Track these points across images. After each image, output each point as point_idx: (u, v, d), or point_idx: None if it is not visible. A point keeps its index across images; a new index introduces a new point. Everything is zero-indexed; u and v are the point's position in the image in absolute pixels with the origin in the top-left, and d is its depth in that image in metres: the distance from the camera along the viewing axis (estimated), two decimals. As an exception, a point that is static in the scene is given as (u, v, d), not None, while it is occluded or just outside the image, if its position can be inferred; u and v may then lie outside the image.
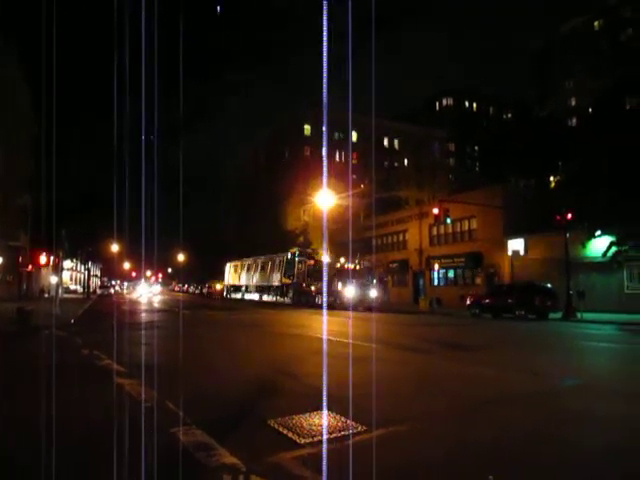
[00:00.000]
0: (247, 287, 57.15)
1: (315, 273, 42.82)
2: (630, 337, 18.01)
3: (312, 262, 44.13)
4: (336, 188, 44.58)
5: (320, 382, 7.89)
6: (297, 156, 71.29)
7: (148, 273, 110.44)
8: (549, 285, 28.33)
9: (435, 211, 33.80)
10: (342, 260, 40.60)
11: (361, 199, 58.16)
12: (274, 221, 64.97)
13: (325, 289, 39.54)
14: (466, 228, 43.08)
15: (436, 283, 46.24)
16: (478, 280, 41.46)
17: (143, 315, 27.45)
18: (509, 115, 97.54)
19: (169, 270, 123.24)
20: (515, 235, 37.33)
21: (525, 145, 51.60)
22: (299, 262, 45.65)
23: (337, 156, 75.10)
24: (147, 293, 69.80)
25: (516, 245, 37.53)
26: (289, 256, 46.72)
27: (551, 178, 48.67)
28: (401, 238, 51.29)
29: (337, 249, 44.70)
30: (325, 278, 40.99)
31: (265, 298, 50.88)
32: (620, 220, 28.89)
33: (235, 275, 61.15)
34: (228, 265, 63.67)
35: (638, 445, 5.43)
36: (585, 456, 5.06)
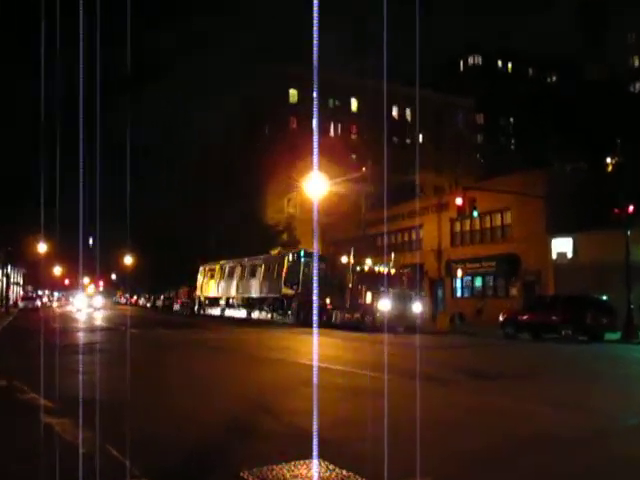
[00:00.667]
0: (229, 299, 53.52)
1: (330, 280, 38.99)
2: None
3: (324, 265, 40.53)
4: (330, 172, 44.55)
5: (309, 421, 7.88)
6: (280, 129, 71.29)
7: (86, 280, 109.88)
8: (604, 297, 28.37)
9: (458, 201, 33.88)
10: (369, 262, 38.13)
11: (362, 186, 58.18)
12: (251, 214, 64.80)
13: (348, 303, 36.36)
14: (498, 223, 43.19)
15: (459, 294, 46.39)
16: (513, 291, 41.58)
17: (80, 335, 27.35)
18: (553, 78, 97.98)
19: (113, 277, 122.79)
20: (561, 233, 37.46)
21: (574, 116, 51.71)
22: (306, 265, 42.29)
23: (332, 129, 75.19)
24: (86, 307, 68.81)
25: (562, 246, 37.69)
26: (291, 257, 43.89)
27: (608, 160, 48.87)
28: (414, 236, 51.41)
29: (332, 249, 44.70)
30: (349, 286, 37.00)
31: (256, 315, 47.56)
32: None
33: (211, 283, 57.30)
34: (201, 269, 60.15)
35: None
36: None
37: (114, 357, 16.98)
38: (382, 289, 34.27)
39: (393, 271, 37.39)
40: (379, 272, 36.56)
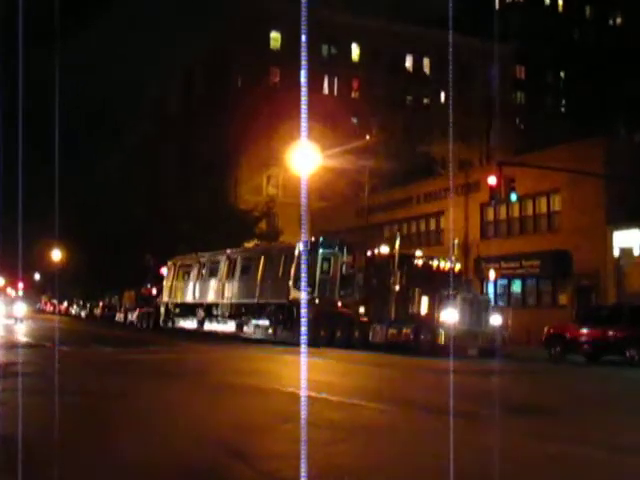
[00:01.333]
0: (211, 307, 47.39)
1: (363, 280, 36.09)
2: None
3: (350, 259, 37.21)
4: (323, 141, 44.47)
5: (293, 469, 7.92)
6: (258, 84, 70.99)
7: (0, 282, 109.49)
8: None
9: (492, 181, 33.76)
10: (418, 254, 34.55)
11: (365, 160, 58.11)
12: (218, 196, 64.64)
13: (393, 313, 32.62)
14: (544, 210, 43.30)
15: (492, 302, 46.44)
16: (563, 298, 41.66)
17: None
18: (618, 20, 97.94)
19: (36, 277, 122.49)
20: (626, 223, 37.51)
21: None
22: (325, 258, 37.85)
23: (327, 85, 75.01)
24: (5, 317, 64.22)
25: (627, 239, 37.75)
26: (303, 246, 36.06)
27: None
28: (433, 226, 51.58)
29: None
30: (394, 288, 32.84)
31: (250, 330, 42.26)
32: None
33: (185, 284, 51.61)
34: (170, 265, 54.76)
35: None
36: None
37: (40, 384, 16.95)
38: (445, 293, 30.85)
39: (458, 267, 35.12)
40: (439, 268, 33.28)
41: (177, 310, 52.31)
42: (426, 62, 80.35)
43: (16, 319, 60.28)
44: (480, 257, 45.53)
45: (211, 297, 47.43)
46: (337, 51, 75.08)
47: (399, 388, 18.15)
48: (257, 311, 41.61)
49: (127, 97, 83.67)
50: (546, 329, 31.15)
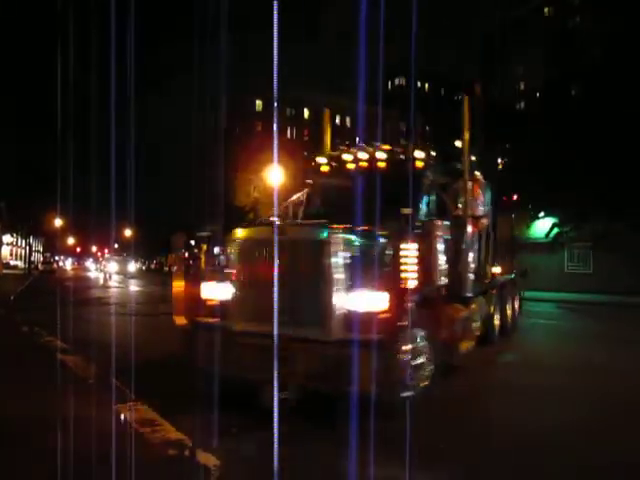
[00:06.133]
0: None
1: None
2: (564, 314, 18.67)
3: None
4: (287, 165, 44.22)
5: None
6: (248, 132, 70.73)
7: (94, 249, 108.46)
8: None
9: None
10: None
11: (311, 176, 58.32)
12: (225, 197, 64.48)
13: None
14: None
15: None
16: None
17: (93, 291, 26.88)
18: (459, 97, 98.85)
19: (116, 246, 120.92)
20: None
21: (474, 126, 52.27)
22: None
23: (289, 132, 74.84)
24: (121, 272, 54.77)
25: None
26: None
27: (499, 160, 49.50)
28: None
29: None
30: None
31: None
32: (562, 204, 29.68)
33: None
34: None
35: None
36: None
37: (122, 309, 16.72)
38: None
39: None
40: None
41: None
42: (347, 120, 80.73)
43: (127, 273, 55.34)
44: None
45: None
46: (295, 112, 74.73)
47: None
48: None
49: (174, 138, 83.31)
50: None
